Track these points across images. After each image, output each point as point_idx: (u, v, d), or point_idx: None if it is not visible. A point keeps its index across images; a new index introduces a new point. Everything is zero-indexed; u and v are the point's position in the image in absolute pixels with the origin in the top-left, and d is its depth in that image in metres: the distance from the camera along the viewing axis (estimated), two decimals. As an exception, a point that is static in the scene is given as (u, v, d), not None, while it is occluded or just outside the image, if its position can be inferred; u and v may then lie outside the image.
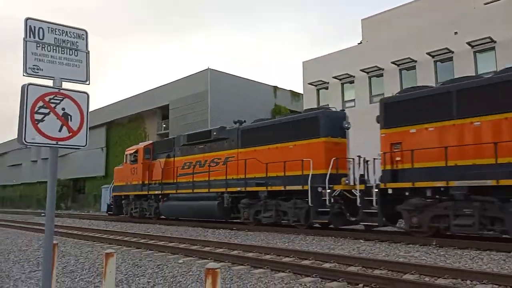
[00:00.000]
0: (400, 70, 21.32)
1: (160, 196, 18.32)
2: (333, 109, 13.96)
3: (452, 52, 19.27)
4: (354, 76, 22.99)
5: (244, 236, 12.16)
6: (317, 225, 12.96)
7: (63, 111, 3.31)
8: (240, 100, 35.39)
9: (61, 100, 3.29)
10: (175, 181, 17.76)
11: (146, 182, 19.18)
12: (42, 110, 3.19)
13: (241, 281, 6.21)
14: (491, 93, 9.20)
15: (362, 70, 22.28)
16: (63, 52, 3.35)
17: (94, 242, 11.79)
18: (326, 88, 24.64)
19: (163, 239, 11.54)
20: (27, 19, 3.19)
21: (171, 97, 37.42)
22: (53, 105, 3.25)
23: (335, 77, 23.59)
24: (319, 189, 11.89)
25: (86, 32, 3.53)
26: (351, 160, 12.56)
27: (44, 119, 3.19)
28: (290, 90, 41.07)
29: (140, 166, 19.68)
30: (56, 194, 3.31)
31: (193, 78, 35.86)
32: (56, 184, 3.38)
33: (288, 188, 12.89)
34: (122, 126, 44.47)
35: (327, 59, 24.73)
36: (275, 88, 39.85)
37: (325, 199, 11.72)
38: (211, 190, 15.67)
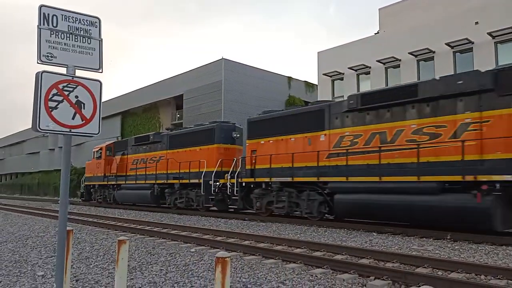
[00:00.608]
0: (418, 61, 20.88)
1: (115, 186, 23.40)
2: (227, 124, 18.25)
3: (472, 43, 18.76)
4: (370, 67, 22.64)
5: (256, 227, 12.21)
6: (214, 208, 17.48)
7: (76, 99, 3.34)
8: (254, 90, 35.28)
9: (75, 88, 3.32)
10: (126, 174, 22.58)
11: (107, 174, 24.14)
12: (56, 98, 3.22)
13: (252, 271, 6.24)
14: (295, 120, 13.44)
15: (379, 61, 21.91)
16: (76, 40, 3.36)
17: (109, 230, 11.99)
18: (341, 79, 24.35)
19: (176, 228, 11.67)
20: (41, 6, 3.21)
21: (185, 87, 37.52)
22: (66, 93, 3.28)
23: (350, 68, 23.28)
24: (210, 182, 16.24)
25: (99, 20, 3.53)
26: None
27: (57, 106, 3.22)
28: (304, 81, 40.73)
29: (103, 161, 24.72)
30: (71, 182, 3.36)
31: (207, 68, 35.84)
32: (72, 172, 3.42)
33: (191, 181, 17.41)
34: (136, 115, 44.88)
35: (342, 50, 24.39)
36: (290, 78, 39.55)
37: (213, 190, 16.22)
38: (147, 181, 20.27)
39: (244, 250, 7.85)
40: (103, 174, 24.32)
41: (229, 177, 15.72)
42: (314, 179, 12.33)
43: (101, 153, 24.95)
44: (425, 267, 6.15)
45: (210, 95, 34.88)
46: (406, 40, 20.86)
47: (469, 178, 8.85)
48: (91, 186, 26.35)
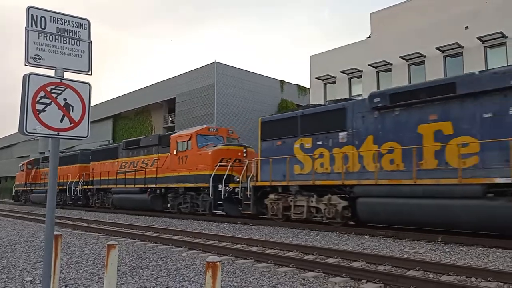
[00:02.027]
0: (409, 65, 21.09)
1: (29, 191, 33.55)
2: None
3: (462, 47, 19.00)
4: (362, 71, 22.80)
5: (248, 230, 12.17)
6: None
7: (64, 102, 3.29)
8: (247, 94, 35.32)
9: (63, 91, 3.27)
10: (39, 182, 31.14)
11: (27, 182, 33.81)
12: (43, 100, 3.17)
13: (244, 275, 6.20)
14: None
15: (370, 65, 22.08)
16: (65, 42, 3.32)
17: (99, 234, 11.86)
18: (334, 83, 24.48)
19: (168, 232, 11.58)
20: (29, 8, 3.16)
21: (177, 90, 37.44)
22: (54, 95, 3.23)
23: (342, 72, 23.42)
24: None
25: (89, 22, 3.50)
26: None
27: (45, 109, 3.17)
28: (297, 85, 40.89)
29: (24, 173, 35.08)
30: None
31: (199, 72, 35.81)
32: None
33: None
34: (128, 119, 44.64)
35: (335, 54, 24.54)
36: (282, 82, 39.68)
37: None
38: (46, 187, 23.14)
39: (236, 254, 7.81)
40: (24, 182, 34.39)
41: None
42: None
43: (24, 167, 35.17)
44: (416, 270, 6.17)
45: (202, 99, 34.84)
46: (397, 44, 21.08)
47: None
48: (19, 190, 37.20)
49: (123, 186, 20.98)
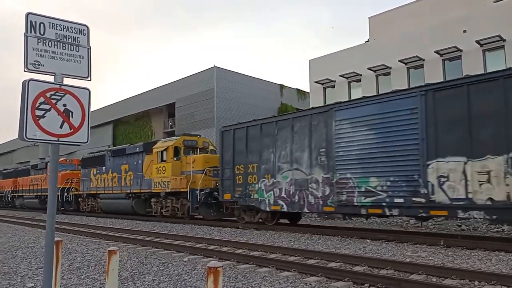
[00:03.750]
0: (408, 68, 21.11)
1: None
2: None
3: (461, 51, 19.02)
4: (361, 75, 22.82)
5: (249, 235, 12.13)
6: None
7: (64, 107, 3.28)
8: (246, 98, 35.37)
9: (62, 96, 3.26)
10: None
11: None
12: (43, 106, 3.16)
13: (246, 280, 6.17)
14: None
15: (369, 69, 22.10)
16: (64, 48, 3.32)
17: (101, 240, 11.83)
18: (333, 87, 24.49)
19: (169, 237, 11.54)
20: (28, 14, 3.17)
21: (177, 95, 37.49)
22: (54, 101, 3.22)
23: (342, 76, 23.43)
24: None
25: (88, 28, 3.50)
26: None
27: (45, 115, 3.17)
28: (296, 89, 40.95)
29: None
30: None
31: (199, 76, 35.89)
32: None
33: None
34: (128, 124, 44.66)
35: (334, 58, 24.57)
36: (282, 86, 39.76)
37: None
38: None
39: (238, 259, 7.77)
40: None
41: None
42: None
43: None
44: (419, 274, 6.13)
45: (202, 103, 34.89)
46: (396, 48, 21.11)
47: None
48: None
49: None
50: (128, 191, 20.30)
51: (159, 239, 11.33)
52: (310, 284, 5.85)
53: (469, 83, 8.79)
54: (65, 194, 26.44)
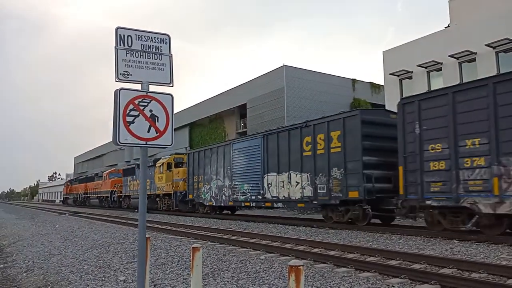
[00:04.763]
0: (497, 53, 19.20)
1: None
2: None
3: (561, 28, 16.88)
4: (441, 63, 21.28)
5: (325, 234, 11.96)
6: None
7: (150, 113, 3.52)
8: (317, 95, 34.87)
9: (149, 103, 3.50)
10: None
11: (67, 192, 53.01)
12: (132, 113, 3.42)
13: (324, 280, 6.08)
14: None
15: (451, 56, 20.51)
16: (149, 57, 3.56)
17: (182, 237, 12.47)
18: (410, 78, 23.17)
19: (245, 235, 11.81)
20: (117, 29, 3.45)
21: (248, 96, 38.18)
22: (142, 108, 3.47)
23: (419, 65, 22.06)
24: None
25: (169, 37, 3.71)
26: None
27: (134, 121, 3.43)
28: (370, 82, 39.42)
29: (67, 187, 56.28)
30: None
31: (269, 76, 36.17)
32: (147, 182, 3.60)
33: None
34: (203, 126, 46.53)
35: (410, 47, 23.24)
36: (354, 80, 38.52)
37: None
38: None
39: (315, 258, 7.70)
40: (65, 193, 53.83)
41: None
42: None
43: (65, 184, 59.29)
44: (518, 279, 5.56)
45: (272, 103, 35.12)
46: (481, 32, 19.31)
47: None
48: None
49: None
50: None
51: (235, 237, 11.63)
52: (393, 286, 5.59)
53: (279, 131, 16.05)
54: (113, 195, 35.84)
